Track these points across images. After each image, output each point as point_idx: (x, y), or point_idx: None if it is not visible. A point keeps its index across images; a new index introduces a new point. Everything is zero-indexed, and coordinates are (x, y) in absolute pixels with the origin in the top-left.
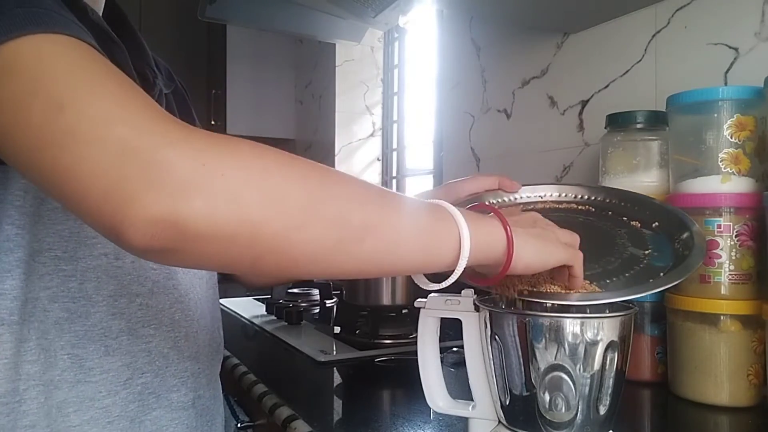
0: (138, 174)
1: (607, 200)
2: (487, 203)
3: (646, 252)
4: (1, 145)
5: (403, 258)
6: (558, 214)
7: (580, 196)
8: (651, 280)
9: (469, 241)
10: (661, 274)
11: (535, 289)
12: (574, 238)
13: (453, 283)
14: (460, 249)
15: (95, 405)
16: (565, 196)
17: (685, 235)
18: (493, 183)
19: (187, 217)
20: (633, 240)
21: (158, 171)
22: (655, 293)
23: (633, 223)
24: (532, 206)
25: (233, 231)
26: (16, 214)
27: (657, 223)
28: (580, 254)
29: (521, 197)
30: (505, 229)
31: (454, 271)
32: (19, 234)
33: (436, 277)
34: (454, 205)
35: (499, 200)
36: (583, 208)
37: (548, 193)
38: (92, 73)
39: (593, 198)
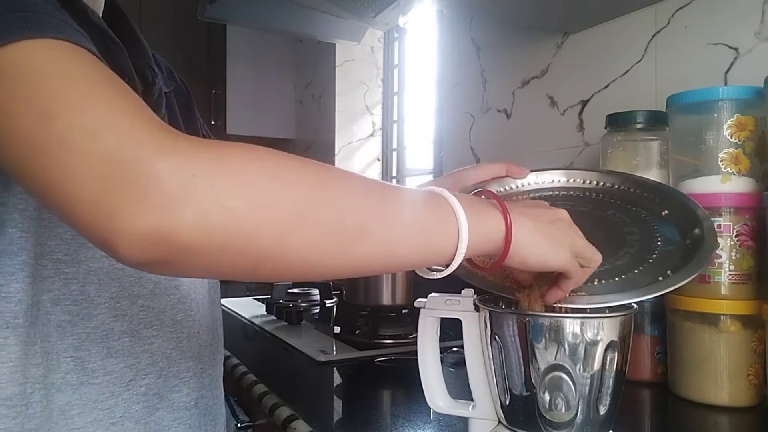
0: (125, 186)
1: (617, 186)
2: (494, 191)
3: (655, 245)
4: None
5: (400, 256)
6: (564, 203)
7: (588, 182)
8: (659, 279)
9: (467, 234)
10: (668, 272)
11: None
12: (592, 255)
13: (452, 274)
14: (458, 241)
15: (99, 407)
16: (573, 181)
17: (696, 231)
18: (500, 170)
19: (178, 230)
20: (642, 231)
21: (146, 183)
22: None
23: (641, 210)
24: (539, 194)
25: (225, 241)
26: (19, 217)
27: (666, 212)
28: (586, 272)
29: (527, 183)
30: (506, 219)
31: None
32: (23, 237)
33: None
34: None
35: (506, 188)
36: (591, 195)
37: (556, 178)
38: (85, 80)
39: (602, 184)
